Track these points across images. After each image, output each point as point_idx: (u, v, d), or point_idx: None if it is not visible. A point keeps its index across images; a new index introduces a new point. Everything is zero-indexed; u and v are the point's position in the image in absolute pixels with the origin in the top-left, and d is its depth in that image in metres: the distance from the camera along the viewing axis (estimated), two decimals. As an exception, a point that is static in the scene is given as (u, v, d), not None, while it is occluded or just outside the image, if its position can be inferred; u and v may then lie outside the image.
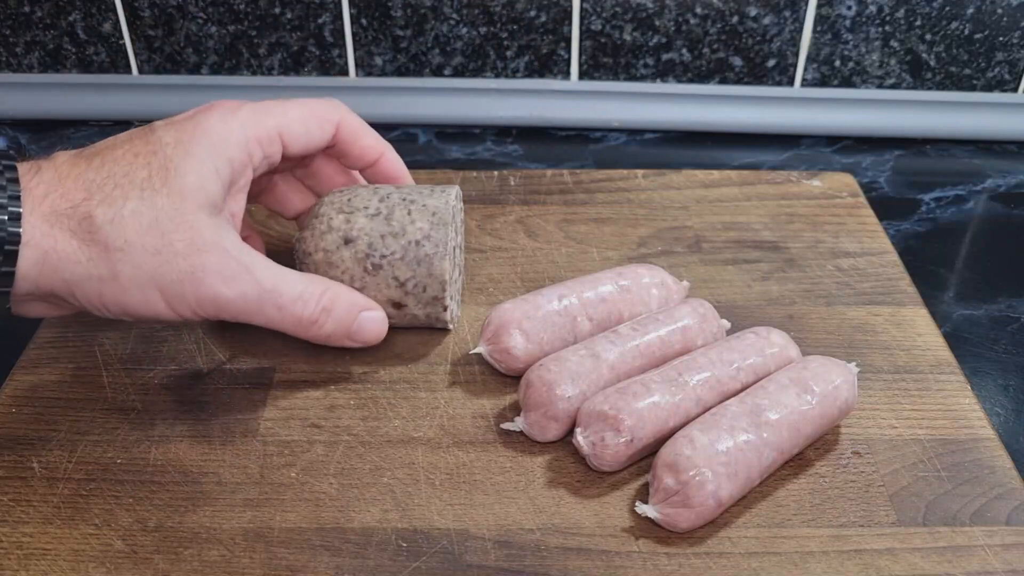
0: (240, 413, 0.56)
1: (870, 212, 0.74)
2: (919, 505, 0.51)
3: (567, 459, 0.53)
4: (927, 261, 0.73)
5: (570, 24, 0.87)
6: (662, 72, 0.90)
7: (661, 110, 0.90)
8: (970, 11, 0.85)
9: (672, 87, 0.90)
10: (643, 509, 0.49)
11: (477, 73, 0.91)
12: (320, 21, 0.88)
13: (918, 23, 0.86)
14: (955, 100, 0.90)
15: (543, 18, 0.87)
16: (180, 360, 0.60)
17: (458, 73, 0.91)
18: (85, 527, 0.49)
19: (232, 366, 0.60)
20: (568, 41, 0.89)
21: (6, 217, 0.48)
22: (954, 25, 0.86)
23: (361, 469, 0.53)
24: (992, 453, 0.54)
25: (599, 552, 0.48)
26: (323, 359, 0.60)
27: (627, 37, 0.88)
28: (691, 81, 0.90)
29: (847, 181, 0.78)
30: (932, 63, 0.88)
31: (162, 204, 0.50)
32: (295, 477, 0.52)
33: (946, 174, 0.85)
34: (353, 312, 0.56)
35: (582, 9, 0.87)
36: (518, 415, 0.55)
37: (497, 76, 0.91)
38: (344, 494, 0.51)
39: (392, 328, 0.62)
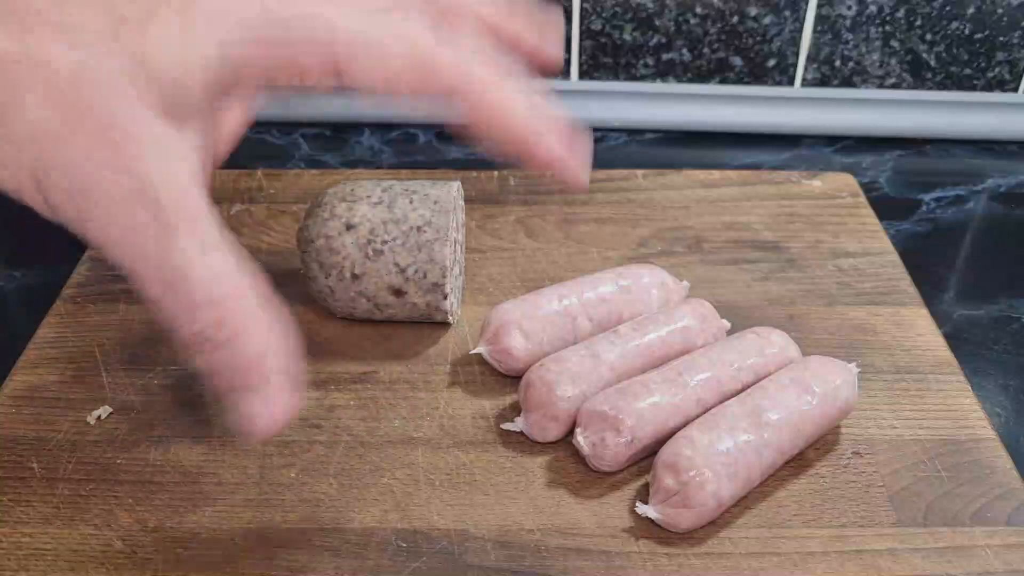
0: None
1: (870, 212, 0.74)
2: (919, 505, 0.51)
3: (567, 459, 0.53)
4: (927, 261, 0.73)
5: (570, 24, 0.87)
6: (662, 72, 0.90)
7: (661, 110, 0.90)
8: (970, 11, 0.85)
9: (672, 87, 0.90)
10: (643, 509, 0.49)
11: (477, 73, 0.90)
12: (320, 21, 0.88)
13: (918, 23, 0.86)
14: (955, 100, 0.90)
15: (543, 18, 0.87)
16: (180, 360, 0.60)
17: (458, 73, 0.90)
18: (85, 527, 0.49)
19: (232, 366, 0.59)
20: (568, 41, 0.88)
21: None
22: (954, 25, 0.86)
23: (361, 469, 0.53)
24: (992, 453, 0.54)
25: (599, 552, 0.48)
26: (322, 359, 0.60)
27: (627, 37, 0.88)
28: (691, 81, 0.90)
29: (847, 181, 0.77)
30: (932, 63, 0.88)
31: (93, 65, 0.32)
32: (295, 477, 0.52)
33: (946, 174, 0.85)
34: (245, 377, 0.35)
35: (582, 8, 0.86)
36: (518, 415, 0.55)
37: (497, 76, 0.91)
38: (344, 494, 0.51)
39: (392, 327, 0.62)
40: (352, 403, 0.57)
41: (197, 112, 0.33)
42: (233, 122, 0.37)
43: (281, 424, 0.36)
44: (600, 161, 0.86)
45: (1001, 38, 0.86)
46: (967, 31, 0.86)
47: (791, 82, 0.90)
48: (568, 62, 0.90)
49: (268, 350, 0.35)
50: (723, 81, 0.90)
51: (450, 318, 0.62)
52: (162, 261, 0.33)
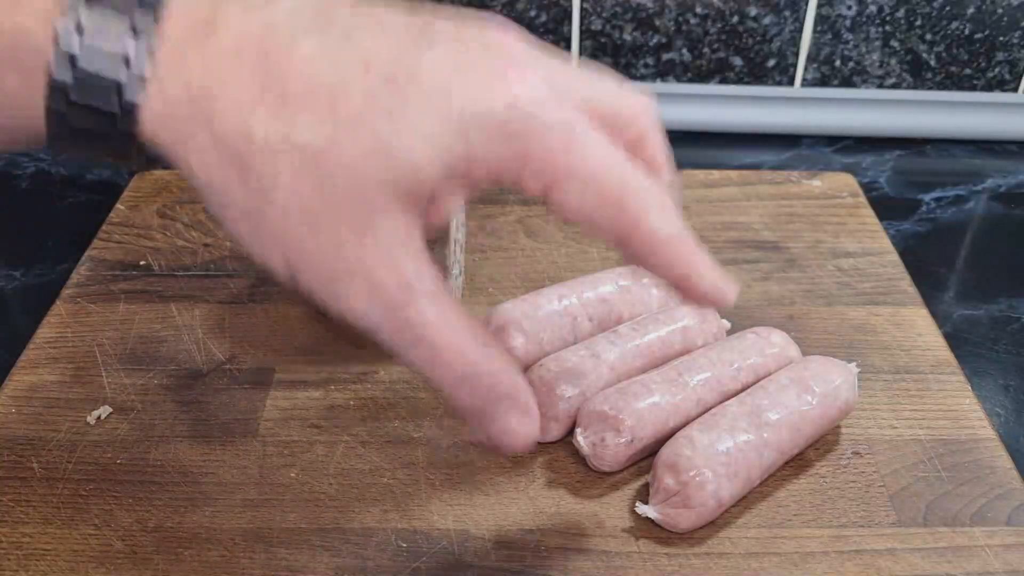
0: (240, 413, 0.56)
1: (870, 212, 0.74)
2: (919, 505, 0.51)
3: (567, 459, 0.53)
4: (927, 261, 0.73)
5: (570, 24, 0.87)
6: (662, 72, 0.90)
7: (661, 110, 0.90)
8: (970, 11, 0.85)
9: (672, 87, 0.90)
10: (643, 509, 0.49)
11: (477, 73, 0.90)
12: None
13: (918, 23, 0.86)
14: (955, 100, 0.90)
15: (543, 18, 0.87)
16: (180, 360, 0.60)
17: (458, 73, 0.91)
18: (85, 527, 0.49)
19: (232, 366, 0.60)
20: (568, 41, 0.88)
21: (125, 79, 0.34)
22: (954, 25, 0.86)
23: (361, 469, 0.53)
24: (992, 453, 0.54)
25: (599, 552, 0.48)
26: (323, 359, 0.60)
27: (627, 37, 0.88)
28: (691, 81, 0.90)
29: (847, 181, 0.78)
30: (932, 63, 0.88)
31: (346, 153, 0.34)
32: (295, 477, 0.52)
33: (946, 174, 0.85)
34: (495, 398, 0.39)
35: (582, 9, 0.86)
36: (518, 415, 0.55)
37: (497, 76, 0.91)
38: (344, 494, 0.51)
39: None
40: (352, 403, 0.57)
41: (427, 195, 0.35)
42: (448, 202, 0.38)
43: (535, 433, 0.39)
44: (600, 161, 0.87)
45: (1001, 38, 0.86)
46: (967, 31, 0.86)
47: (791, 82, 0.90)
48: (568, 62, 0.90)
49: (508, 379, 0.38)
50: (723, 81, 0.90)
51: (450, 318, 0.61)
52: (406, 325, 0.36)
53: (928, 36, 0.87)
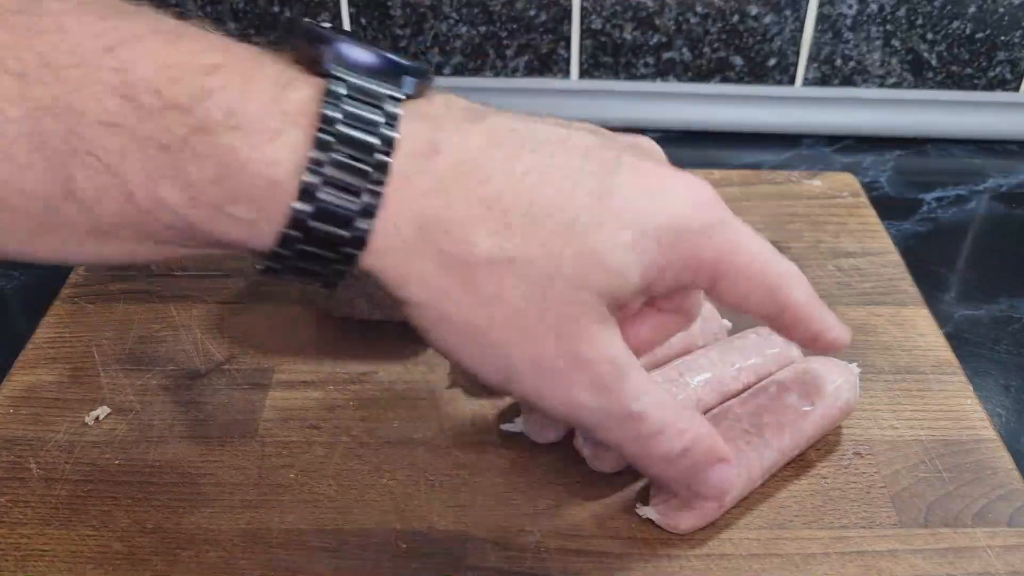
0: (238, 414, 0.56)
1: (871, 212, 0.74)
2: (920, 506, 0.51)
3: (567, 460, 0.53)
4: (928, 261, 0.73)
5: (570, 23, 0.87)
6: (662, 71, 0.90)
7: (661, 109, 0.90)
8: (971, 10, 0.85)
9: (672, 86, 0.90)
10: (644, 511, 0.49)
11: (477, 72, 0.90)
12: (320, 21, 0.88)
13: (919, 22, 0.86)
14: (956, 99, 0.89)
15: (543, 17, 0.87)
16: (178, 361, 0.60)
17: (457, 72, 0.90)
18: (83, 528, 0.49)
19: (230, 367, 0.59)
20: (568, 40, 0.88)
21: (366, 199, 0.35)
22: (955, 24, 0.86)
23: (360, 470, 0.53)
24: (994, 454, 0.54)
25: (599, 554, 0.48)
26: (322, 360, 0.60)
27: (627, 36, 0.88)
28: (692, 80, 0.90)
29: (848, 181, 0.77)
30: (933, 62, 0.88)
31: (564, 263, 0.37)
32: (294, 478, 0.52)
33: (947, 174, 0.85)
34: (709, 460, 0.44)
35: (582, 8, 0.86)
36: (518, 416, 0.55)
37: (497, 75, 0.90)
38: (343, 495, 0.51)
39: (391, 327, 0.62)
40: (351, 404, 0.57)
41: (625, 302, 0.39)
42: (630, 309, 0.43)
43: (735, 477, 0.45)
44: (600, 161, 0.86)
45: (1002, 37, 0.86)
46: (968, 30, 0.86)
47: (792, 81, 0.90)
48: (568, 61, 0.89)
49: (715, 440, 0.43)
50: (723, 81, 0.90)
51: (450, 318, 0.61)
52: (630, 415, 0.40)
53: (929, 35, 0.87)
